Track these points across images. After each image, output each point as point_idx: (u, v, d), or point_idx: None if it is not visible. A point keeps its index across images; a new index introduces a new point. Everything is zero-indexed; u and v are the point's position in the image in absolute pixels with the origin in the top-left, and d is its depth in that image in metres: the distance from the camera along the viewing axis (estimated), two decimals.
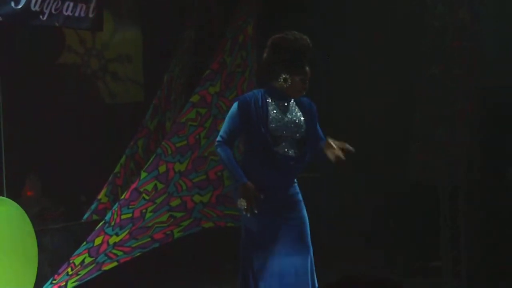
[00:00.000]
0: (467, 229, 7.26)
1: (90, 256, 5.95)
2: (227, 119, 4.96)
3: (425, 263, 7.57)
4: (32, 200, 7.68)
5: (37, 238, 6.09)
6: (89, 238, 6.05)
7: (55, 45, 8.32)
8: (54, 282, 5.80)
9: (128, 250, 6.07)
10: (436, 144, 7.29)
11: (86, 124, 8.26)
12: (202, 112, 6.63)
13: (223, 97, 6.71)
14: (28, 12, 6.34)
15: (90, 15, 6.84)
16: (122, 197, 6.32)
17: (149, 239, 6.18)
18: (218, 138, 4.94)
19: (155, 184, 6.31)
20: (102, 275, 5.93)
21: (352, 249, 7.84)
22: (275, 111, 4.90)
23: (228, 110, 4.99)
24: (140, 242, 6.13)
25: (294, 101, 4.99)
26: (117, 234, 6.08)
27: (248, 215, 4.84)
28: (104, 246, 6.03)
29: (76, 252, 5.97)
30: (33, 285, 5.98)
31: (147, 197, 6.27)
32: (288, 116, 4.92)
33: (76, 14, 6.72)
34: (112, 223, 6.12)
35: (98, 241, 6.03)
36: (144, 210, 6.23)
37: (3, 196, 6.13)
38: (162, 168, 6.38)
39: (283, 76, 4.89)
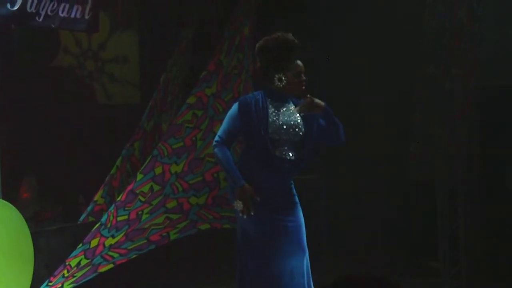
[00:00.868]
0: (466, 229, 7.24)
1: (86, 258, 5.93)
2: (226, 119, 4.96)
3: (424, 263, 7.56)
4: (28, 201, 7.66)
5: (33, 240, 6.07)
6: (85, 240, 6.03)
7: (50, 46, 8.29)
8: (50, 284, 5.79)
9: (124, 252, 6.05)
10: (435, 144, 7.28)
11: (82, 125, 8.24)
12: (199, 113, 6.61)
13: (219, 99, 6.69)
14: (24, 14, 6.33)
15: (86, 17, 6.82)
16: (118, 198, 6.30)
17: (145, 241, 6.16)
18: (216, 138, 4.93)
19: (151, 186, 6.30)
20: (98, 276, 5.92)
21: (351, 249, 7.83)
22: (275, 114, 4.89)
23: (224, 112, 4.99)
24: (136, 244, 6.11)
25: (294, 104, 4.97)
26: (113, 236, 6.07)
27: (245, 217, 4.82)
28: (100, 248, 6.01)
29: (72, 254, 5.96)
30: (29, 286, 5.96)
31: (143, 199, 6.25)
32: (288, 119, 4.92)
33: (72, 16, 6.70)
34: (108, 225, 6.11)
35: (94, 243, 6.02)
36: (140, 212, 6.22)
37: None
38: (158, 170, 6.36)
39: (277, 76, 4.90)
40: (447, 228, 7.25)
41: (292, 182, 5.02)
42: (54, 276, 5.83)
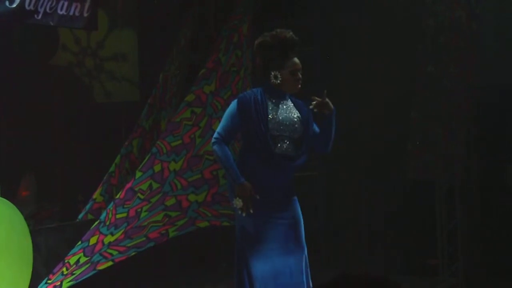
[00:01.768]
0: (464, 228, 7.25)
1: (85, 255, 5.93)
2: (225, 116, 4.95)
3: (422, 261, 7.56)
4: (27, 200, 7.66)
5: (32, 238, 6.06)
6: (84, 238, 6.03)
7: (50, 44, 8.29)
8: (49, 281, 5.77)
9: (123, 250, 6.04)
10: (433, 143, 7.28)
11: (81, 123, 8.24)
12: (197, 111, 6.61)
13: (218, 96, 6.69)
14: (22, 11, 6.32)
15: (85, 14, 6.83)
16: (117, 196, 6.30)
17: (144, 238, 6.15)
18: (215, 135, 4.91)
19: (150, 183, 6.29)
20: (97, 274, 5.91)
21: (350, 246, 7.84)
22: (274, 111, 4.89)
23: (223, 109, 4.98)
24: (135, 242, 6.11)
25: (292, 101, 4.97)
26: (112, 234, 6.06)
27: (244, 214, 4.82)
28: (99, 245, 6.00)
29: (71, 252, 5.95)
30: (28, 284, 5.95)
31: (142, 196, 6.25)
32: (287, 115, 4.92)
33: (71, 13, 6.71)
34: (107, 223, 6.10)
35: (93, 240, 6.01)
36: (139, 210, 6.21)
37: None
38: (157, 167, 6.35)
39: (273, 73, 4.90)
40: (446, 226, 7.27)
41: (291, 179, 5.02)
42: (53, 274, 5.81)
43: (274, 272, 4.83)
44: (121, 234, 6.08)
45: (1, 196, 6.11)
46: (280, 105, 4.93)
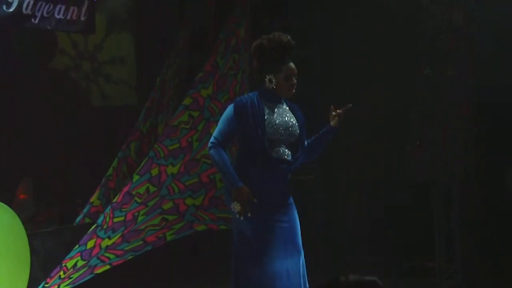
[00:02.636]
0: (462, 229, 7.25)
1: (82, 259, 5.93)
2: (222, 121, 4.94)
3: (420, 263, 7.56)
4: (24, 203, 7.66)
5: (29, 241, 6.07)
6: (81, 241, 6.03)
7: (48, 48, 8.29)
8: (46, 285, 5.79)
9: (121, 253, 6.05)
10: (431, 144, 7.28)
11: (79, 126, 8.24)
12: (195, 115, 6.62)
13: (215, 100, 6.70)
14: (19, 15, 6.33)
15: (82, 18, 6.84)
16: (115, 200, 6.31)
17: (141, 242, 6.16)
18: (212, 140, 4.91)
19: (148, 187, 6.30)
20: (94, 278, 5.92)
21: (347, 249, 7.83)
22: (271, 115, 4.89)
23: (220, 113, 4.98)
24: (132, 245, 6.11)
25: (287, 105, 4.98)
26: (109, 237, 6.07)
27: (241, 218, 4.82)
28: (97, 249, 6.01)
29: (69, 256, 5.96)
30: None
31: (139, 200, 6.26)
32: (283, 119, 4.92)
33: (68, 17, 6.72)
34: (105, 226, 6.11)
35: (90, 244, 6.02)
36: (136, 213, 6.22)
37: None
38: (155, 171, 6.36)
39: (268, 77, 4.90)
40: (444, 228, 7.26)
41: (288, 182, 5.02)
42: (51, 278, 5.83)
43: (271, 275, 4.83)
44: (118, 238, 6.09)
45: None
46: (276, 109, 4.93)
